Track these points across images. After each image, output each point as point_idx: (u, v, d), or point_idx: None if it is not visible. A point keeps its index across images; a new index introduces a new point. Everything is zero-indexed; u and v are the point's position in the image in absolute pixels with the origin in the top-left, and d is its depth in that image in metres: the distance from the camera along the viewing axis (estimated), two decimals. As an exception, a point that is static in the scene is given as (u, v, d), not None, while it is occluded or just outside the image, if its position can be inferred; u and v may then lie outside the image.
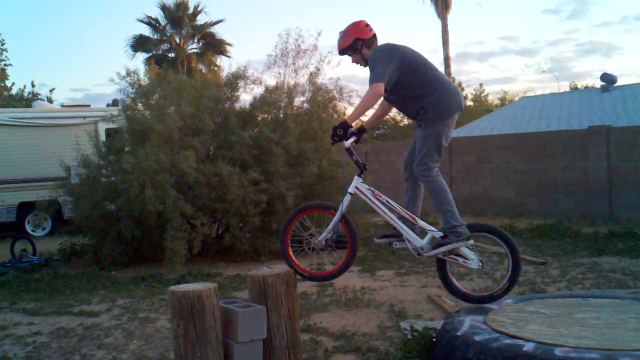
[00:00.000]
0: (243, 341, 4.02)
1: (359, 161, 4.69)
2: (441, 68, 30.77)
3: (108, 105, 25.50)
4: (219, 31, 40.66)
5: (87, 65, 72.11)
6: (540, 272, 7.85)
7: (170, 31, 32.34)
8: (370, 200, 4.70)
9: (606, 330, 3.81)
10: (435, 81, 4.65)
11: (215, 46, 32.78)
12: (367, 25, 4.75)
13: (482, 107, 36.64)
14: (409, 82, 4.60)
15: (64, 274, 9.22)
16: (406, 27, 78.53)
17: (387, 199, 4.69)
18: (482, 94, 39.63)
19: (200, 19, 32.88)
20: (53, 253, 11.08)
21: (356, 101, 11.73)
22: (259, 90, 11.23)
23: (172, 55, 32.41)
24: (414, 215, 4.70)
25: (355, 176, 4.72)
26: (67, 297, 7.68)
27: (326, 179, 10.39)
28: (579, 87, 40.86)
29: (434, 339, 4.42)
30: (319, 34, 11.28)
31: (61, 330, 6.09)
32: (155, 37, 32.38)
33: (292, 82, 11.17)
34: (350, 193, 4.69)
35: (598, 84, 21.95)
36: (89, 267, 9.75)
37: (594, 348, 3.43)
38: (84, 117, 14.95)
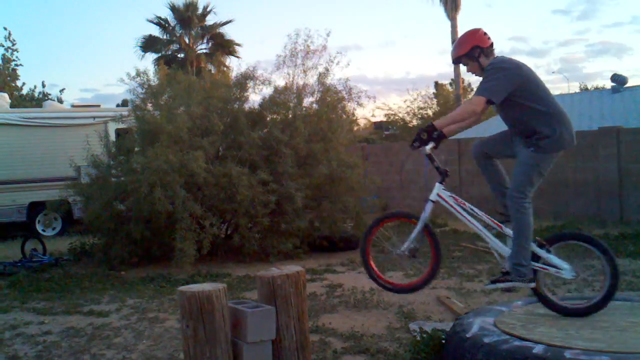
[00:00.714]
0: (252, 342, 4.02)
1: (439, 167, 4.55)
2: (450, 69, 30.55)
3: (118, 105, 25.64)
4: (228, 31, 40.86)
5: (97, 65, 72.53)
6: (549, 274, 7.80)
7: (180, 32, 32.41)
8: (453, 207, 4.56)
9: (616, 333, 3.79)
10: (555, 112, 4.43)
11: (224, 46, 32.81)
12: (486, 33, 4.54)
13: (491, 108, 36.44)
14: (525, 105, 4.38)
15: (74, 273, 9.27)
16: (416, 27, 78.29)
17: (470, 206, 4.56)
18: (492, 95, 39.36)
19: (210, 20, 32.93)
20: (63, 253, 11.14)
21: (365, 102, 11.73)
22: (268, 91, 11.27)
23: (181, 55, 32.48)
24: (499, 223, 4.53)
25: (437, 183, 4.58)
26: (77, 297, 7.72)
27: (335, 179, 10.39)
28: (589, 88, 40.60)
29: (443, 341, 4.42)
30: (328, 35, 11.27)
31: (71, 330, 6.13)
32: (165, 37, 32.46)
33: (301, 83, 11.18)
34: (431, 201, 4.56)
35: (608, 84, 21.78)
36: (98, 267, 9.79)
37: (603, 351, 3.42)
38: (94, 117, 14.99)
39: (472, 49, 4.50)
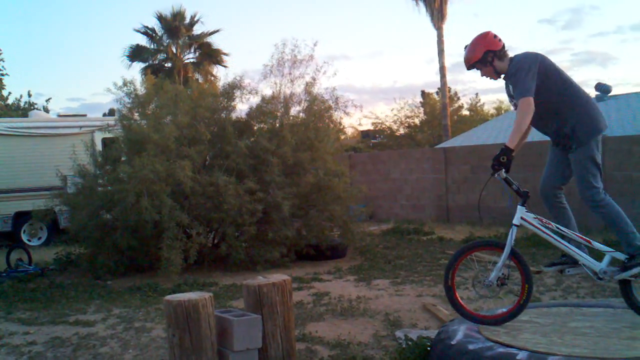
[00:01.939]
0: (238, 350, 4.03)
1: (519, 190, 4.38)
2: (436, 78, 31.00)
3: (104, 114, 25.58)
4: (216, 41, 40.58)
5: (83, 75, 72.24)
6: (535, 281, 7.86)
7: (167, 41, 32.37)
8: (539, 229, 4.39)
9: (599, 340, 3.83)
10: (578, 95, 4.46)
11: (211, 56, 32.82)
12: (496, 36, 4.56)
13: (478, 116, 36.74)
14: (548, 94, 4.40)
15: (60, 283, 9.21)
16: (403, 37, 78.79)
17: (557, 225, 4.42)
18: (478, 104, 39.76)
19: (197, 29, 32.91)
20: (49, 262, 11.07)
21: (352, 111, 11.79)
22: (255, 100, 11.32)
23: (168, 65, 32.43)
24: (588, 239, 4.38)
25: (519, 206, 4.39)
26: (62, 307, 7.67)
27: (322, 188, 10.42)
28: (574, 96, 40.95)
29: (429, 348, 4.44)
30: (315, 45, 11.39)
31: (56, 340, 6.09)
32: (152, 47, 32.40)
33: (288, 92, 11.23)
34: (515, 225, 4.37)
35: (593, 93, 21.98)
36: (84, 276, 9.73)
37: (586, 357, 3.46)
38: (81, 127, 14.96)
39: (484, 55, 4.54)
